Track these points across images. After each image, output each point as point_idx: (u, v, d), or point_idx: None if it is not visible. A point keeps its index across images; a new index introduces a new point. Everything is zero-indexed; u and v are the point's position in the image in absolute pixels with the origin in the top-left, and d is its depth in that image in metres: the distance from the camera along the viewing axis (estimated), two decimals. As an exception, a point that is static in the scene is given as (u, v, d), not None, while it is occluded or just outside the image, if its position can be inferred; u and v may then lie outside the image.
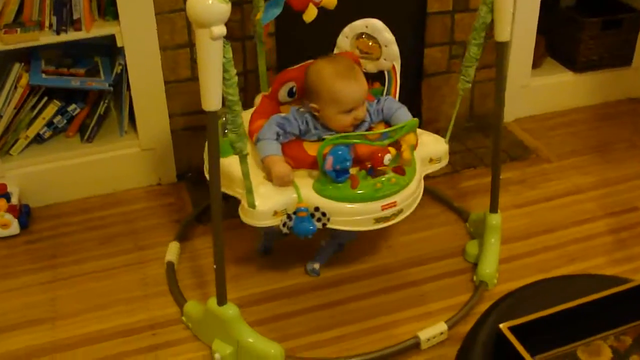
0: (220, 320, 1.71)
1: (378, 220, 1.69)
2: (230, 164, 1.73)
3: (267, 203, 1.65)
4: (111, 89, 2.25)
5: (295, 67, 1.88)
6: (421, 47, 2.57)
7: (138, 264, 2.10)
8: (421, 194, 1.81)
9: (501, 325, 1.18)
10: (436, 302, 1.96)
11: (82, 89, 2.23)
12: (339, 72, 1.73)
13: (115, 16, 2.17)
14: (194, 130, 2.40)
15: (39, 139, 2.31)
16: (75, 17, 2.11)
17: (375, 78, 1.97)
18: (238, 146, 1.54)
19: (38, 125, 2.27)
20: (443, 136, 1.94)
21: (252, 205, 1.64)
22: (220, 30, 1.34)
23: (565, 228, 2.22)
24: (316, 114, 1.76)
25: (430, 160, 1.88)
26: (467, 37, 1.86)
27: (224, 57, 1.40)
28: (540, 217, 2.28)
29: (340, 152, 1.61)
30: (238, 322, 1.71)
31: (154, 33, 2.21)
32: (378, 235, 2.18)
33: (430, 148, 1.88)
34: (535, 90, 2.83)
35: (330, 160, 1.61)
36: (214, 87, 1.42)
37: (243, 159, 1.57)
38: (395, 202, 1.70)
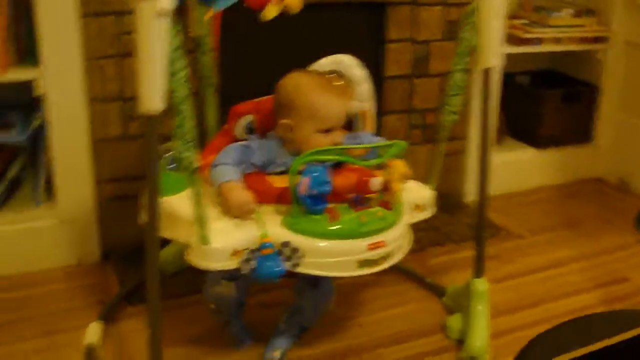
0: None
1: (363, 264, 1.38)
2: (173, 203, 1.41)
3: (223, 238, 1.32)
4: (26, 144, 1.91)
5: (251, 100, 1.61)
6: (378, 114, 2.36)
7: (48, 350, 1.68)
8: (411, 242, 1.53)
9: None
10: (421, 385, 1.62)
11: (-9, 143, 1.89)
12: (320, 83, 1.49)
13: (36, 62, 1.87)
14: (124, 200, 2.06)
15: None
16: (-13, 55, 1.80)
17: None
18: (186, 157, 1.23)
19: None
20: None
21: (204, 241, 1.31)
22: (169, 2, 1.07)
23: (554, 300, 1.97)
24: (287, 135, 1.48)
25: (417, 207, 1.60)
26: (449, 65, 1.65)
27: (170, 44, 1.12)
28: (524, 291, 2.02)
29: (316, 174, 1.31)
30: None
31: (81, 81, 1.91)
32: (346, 314, 1.86)
33: (415, 194, 1.62)
34: (497, 168, 2.61)
35: (305, 182, 1.31)
36: (154, 82, 1.12)
37: (192, 176, 1.25)
38: (383, 241, 1.39)
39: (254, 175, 1.45)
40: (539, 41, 2.54)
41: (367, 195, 1.40)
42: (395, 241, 1.44)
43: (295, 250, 1.33)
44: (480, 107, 1.68)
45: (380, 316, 1.87)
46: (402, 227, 1.47)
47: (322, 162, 1.38)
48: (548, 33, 2.54)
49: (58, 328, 1.76)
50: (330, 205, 1.37)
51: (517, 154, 2.71)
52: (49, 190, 2.02)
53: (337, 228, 1.36)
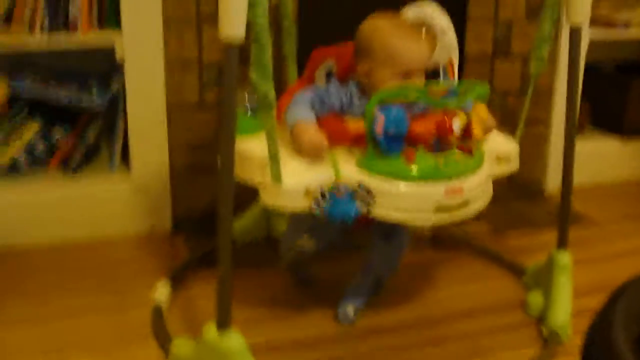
0: (221, 354, 1.28)
1: (439, 209, 1.31)
2: (247, 146, 1.38)
3: (296, 177, 1.29)
4: (104, 108, 1.92)
5: (332, 46, 1.57)
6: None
7: (117, 307, 1.67)
8: (491, 194, 1.46)
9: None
10: (497, 357, 1.53)
11: (71, 105, 1.90)
12: (400, 26, 1.45)
13: (116, 25, 1.89)
14: (197, 170, 2.05)
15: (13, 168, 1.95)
16: (71, 16, 1.83)
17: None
18: (262, 90, 1.19)
19: (14, 148, 1.92)
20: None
21: (277, 179, 1.27)
22: None
23: None
24: (365, 80, 1.43)
25: (499, 159, 1.53)
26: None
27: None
28: (608, 273, 1.90)
29: (394, 113, 1.26)
30: (244, 356, 1.28)
31: (160, 46, 1.92)
32: (419, 288, 1.80)
33: (498, 145, 1.55)
34: (580, 157, 2.48)
35: (381, 121, 1.25)
36: (236, 7, 1.10)
37: (266, 108, 1.21)
38: (461, 187, 1.33)
39: (331, 117, 1.40)
40: (626, 25, 2.42)
41: (447, 138, 1.34)
42: (474, 189, 1.36)
43: (369, 191, 1.28)
44: (567, 74, 1.60)
45: (455, 290, 1.79)
46: (482, 176, 1.40)
47: (402, 101, 1.33)
48: (637, 17, 2.42)
49: (127, 288, 1.76)
50: (407, 148, 1.31)
51: (601, 144, 2.59)
52: (125, 156, 2.03)
53: (413, 170, 1.30)
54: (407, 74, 1.41)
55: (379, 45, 1.41)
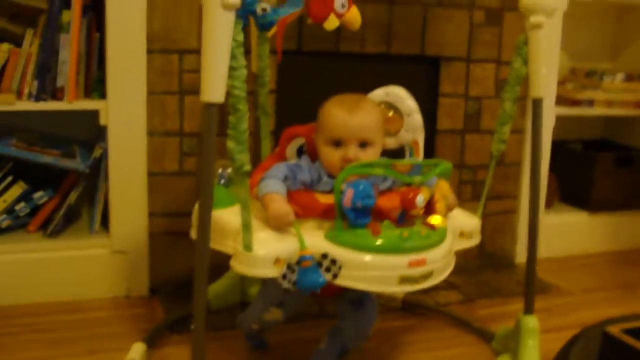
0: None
1: (403, 280, 1.36)
2: (222, 216, 1.44)
3: (267, 246, 1.34)
4: (87, 170, 1.98)
5: (303, 125, 1.65)
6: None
7: (92, 367, 1.69)
8: (452, 266, 1.51)
9: (609, 328, 0.86)
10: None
11: (54, 166, 1.96)
12: (342, 100, 1.52)
13: (102, 95, 1.98)
14: (175, 237, 2.10)
15: (-7, 229, 1.99)
16: (58, 85, 1.91)
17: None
18: (239, 158, 1.26)
19: (-4, 209, 1.97)
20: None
21: (248, 248, 1.32)
22: (236, -1, 1.14)
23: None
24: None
25: (461, 234, 1.59)
26: (501, 93, 1.69)
27: (234, 39, 1.18)
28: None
29: (362, 187, 1.33)
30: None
31: (143, 114, 2.00)
32: (387, 353, 1.83)
33: (461, 220, 1.61)
34: (549, 230, 2.60)
35: (349, 194, 1.32)
36: (218, 72, 1.18)
37: (242, 178, 1.28)
38: (424, 259, 1.38)
39: (301, 191, 1.47)
40: (590, 103, 2.55)
41: (411, 213, 1.40)
42: (437, 261, 1.41)
43: (333, 261, 1.33)
44: (531, 143, 1.69)
45: (425, 356, 1.82)
46: (445, 249, 1.45)
47: (368, 176, 1.40)
48: (600, 95, 2.56)
49: (102, 348, 1.77)
50: (373, 221, 1.38)
51: (569, 217, 2.68)
52: (105, 220, 2.07)
53: (378, 242, 1.35)
54: (337, 143, 1.48)
55: (319, 115, 1.52)
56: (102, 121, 1.96)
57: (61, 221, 2.03)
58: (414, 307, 2.09)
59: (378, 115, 1.54)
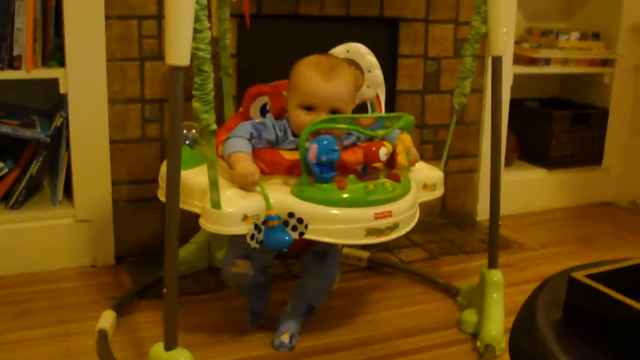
0: (168, 373, 1.32)
1: (370, 232, 1.39)
2: (188, 176, 1.44)
3: (234, 203, 1.35)
4: (48, 140, 1.95)
5: (266, 84, 1.66)
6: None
7: (62, 335, 1.69)
8: (417, 217, 1.54)
9: (574, 274, 0.90)
10: (434, 373, 1.61)
11: (14, 136, 1.93)
12: (316, 63, 1.53)
13: (61, 62, 1.94)
14: (139, 203, 2.09)
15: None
16: (15, 54, 1.87)
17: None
18: (205, 118, 1.26)
19: (-45, 183, 1.93)
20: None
21: (216, 206, 1.33)
22: (197, -43, 1.13)
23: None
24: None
25: (425, 187, 1.62)
26: (461, 50, 1.71)
27: (197, 2, 1.18)
28: (537, 294, 2.00)
29: (326, 142, 1.34)
30: (191, 375, 1.32)
31: (103, 82, 1.97)
32: (354, 310, 1.86)
33: (424, 173, 1.65)
34: (509, 187, 2.65)
35: (314, 149, 1.34)
36: (183, 36, 1.18)
37: (209, 137, 1.29)
38: (390, 211, 1.41)
39: (266, 148, 1.48)
40: (547, 62, 2.60)
41: (374, 165, 1.43)
42: (403, 213, 1.45)
43: (300, 220, 1.35)
44: (490, 101, 1.72)
45: (391, 313, 1.86)
46: (410, 201, 1.48)
47: (333, 133, 1.41)
48: (556, 54, 2.60)
49: (71, 318, 1.77)
50: (338, 176, 1.40)
51: (528, 174, 2.74)
52: (68, 190, 2.05)
53: (344, 196, 1.38)
54: (309, 107, 1.50)
55: (293, 75, 1.53)
56: (62, 89, 1.93)
57: (23, 192, 2.00)
58: (379, 266, 2.13)
59: (352, 83, 1.56)
